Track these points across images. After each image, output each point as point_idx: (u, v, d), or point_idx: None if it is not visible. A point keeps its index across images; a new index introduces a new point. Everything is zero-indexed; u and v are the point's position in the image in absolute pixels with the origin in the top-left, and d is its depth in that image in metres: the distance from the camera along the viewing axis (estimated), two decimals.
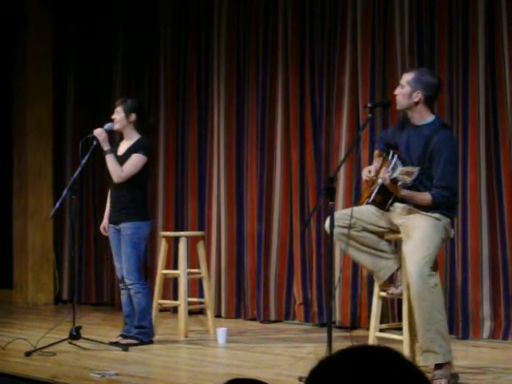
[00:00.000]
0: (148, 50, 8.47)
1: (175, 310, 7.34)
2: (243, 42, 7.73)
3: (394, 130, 5.21)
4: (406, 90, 4.92)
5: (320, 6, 7.21)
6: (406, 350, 5.00)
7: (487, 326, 6.25)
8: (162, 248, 6.84)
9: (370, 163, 5.62)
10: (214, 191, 7.85)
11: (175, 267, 7.16)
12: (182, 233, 7.05)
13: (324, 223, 5.18)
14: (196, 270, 7.04)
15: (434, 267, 4.85)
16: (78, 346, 5.99)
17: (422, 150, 4.86)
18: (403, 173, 4.69)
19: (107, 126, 6.23)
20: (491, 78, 6.24)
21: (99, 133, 6.13)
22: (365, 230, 5.06)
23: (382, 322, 5.46)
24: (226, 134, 7.78)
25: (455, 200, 4.99)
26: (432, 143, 4.82)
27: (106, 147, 6.13)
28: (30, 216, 8.88)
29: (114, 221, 6.24)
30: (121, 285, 6.30)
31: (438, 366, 4.74)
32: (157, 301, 6.69)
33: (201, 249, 6.87)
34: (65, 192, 6.15)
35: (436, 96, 5.03)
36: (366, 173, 5.05)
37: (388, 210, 5.03)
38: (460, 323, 6.29)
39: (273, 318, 7.46)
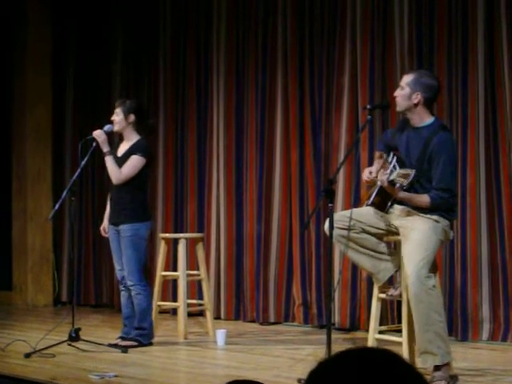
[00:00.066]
0: (147, 51, 8.47)
1: (174, 311, 7.33)
2: (242, 42, 7.73)
3: (394, 131, 5.21)
4: (405, 91, 4.93)
5: (319, 7, 7.21)
6: (405, 352, 5.00)
7: (486, 327, 6.25)
8: (162, 250, 6.84)
9: (370, 165, 5.62)
10: (213, 192, 7.85)
11: (174, 269, 7.16)
12: (181, 234, 7.05)
13: (323, 225, 5.19)
14: (195, 272, 7.04)
15: (433, 269, 4.85)
16: (78, 348, 5.99)
17: (421, 152, 4.86)
18: (400, 175, 4.70)
19: (106, 127, 6.23)
20: (490, 80, 6.24)
21: (98, 134, 6.13)
22: (364, 231, 5.06)
23: (381, 323, 5.46)
24: (226, 135, 7.78)
25: (454, 202, 4.99)
26: (431, 145, 4.83)
27: (105, 149, 6.13)
28: (30, 217, 8.88)
29: (113, 222, 6.25)
30: (120, 286, 6.29)
31: (437, 368, 4.74)
32: (156, 303, 6.69)
33: (200, 250, 6.87)
34: (64, 193, 6.15)
35: (435, 98, 5.03)
36: (367, 174, 5.05)
37: (387, 212, 5.04)
38: (459, 325, 6.29)
39: (272, 319, 7.45)
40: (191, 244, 7.18)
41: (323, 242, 7.04)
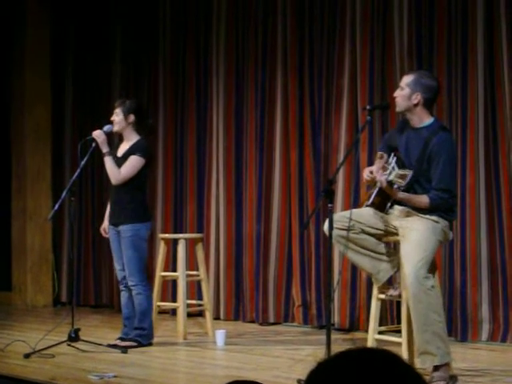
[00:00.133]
0: (147, 51, 8.47)
1: (174, 312, 7.33)
2: (242, 42, 7.73)
3: (394, 132, 5.22)
4: (405, 92, 4.93)
5: (319, 6, 7.21)
6: (404, 353, 5.00)
7: (486, 328, 6.25)
8: (161, 250, 6.84)
9: (369, 165, 5.62)
10: (212, 193, 7.85)
11: (174, 269, 7.15)
12: (180, 235, 7.05)
13: (323, 225, 5.19)
14: (195, 272, 7.04)
15: (432, 269, 4.85)
16: (77, 348, 5.98)
17: (420, 152, 4.86)
18: (398, 176, 4.71)
19: (106, 127, 6.23)
20: (490, 81, 6.24)
21: (98, 135, 6.13)
22: (363, 232, 5.06)
23: (380, 324, 5.46)
24: (225, 136, 7.78)
25: (454, 202, 4.99)
26: (431, 145, 4.83)
27: (104, 149, 6.13)
28: (29, 218, 8.88)
29: (113, 223, 6.25)
30: (121, 286, 6.29)
31: (436, 368, 4.74)
32: (155, 303, 6.68)
33: (200, 251, 6.87)
34: (64, 194, 6.15)
35: (435, 98, 5.04)
36: (368, 173, 5.04)
37: (387, 213, 5.04)
38: (459, 325, 6.29)
39: (272, 320, 7.45)
40: (191, 244, 7.18)
41: (323, 243, 7.04)
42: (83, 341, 6.00)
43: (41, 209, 8.89)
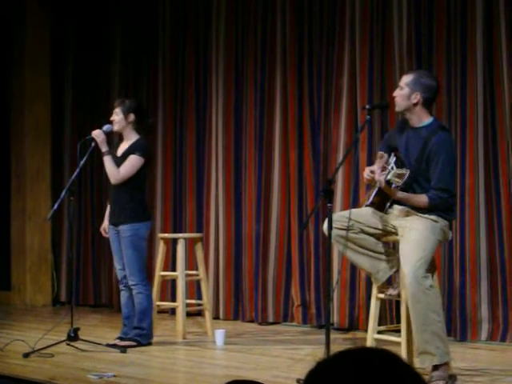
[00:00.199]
0: (146, 51, 8.47)
1: (173, 311, 7.34)
2: (241, 40, 7.73)
3: (394, 132, 5.22)
4: (404, 91, 4.93)
5: (318, 4, 7.21)
6: (403, 352, 5.00)
7: (485, 327, 6.25)
8: (160, 250, 6.84)
9: (369, 165, 5.62)
10: (212, 192, 7.85)
11: (173, 269, 7.16)
12: (180, 234, 7.05)
13: (322, 225, 5.19)
14: (194, 272, 7.04)
15: (431, 269, 4.85)
16: (76, 348, 5.98)
17: (419, 152, 4.86)
18: (395, 175, 4.72)
19: (105, 127, 6.23)
20: (489, 80, 6.24)
21: (97, 134, 6.13)
22: (363, 231, 5.06)
23: (380, 323, 5.46)
24: (224, 135, 7.78)
25: (453, 202, 4.99)
26: (430, 145, 4.83)
27: (104, 149, 6.13)
28: (28, 217, 8.88)
29: (113, 222, 6.25)
30: (121, 285, 6.29)
31: (436, 368, 4.74)
32: (155, 303, 6.68)
33: (199, 250, 6.87)
34: (63, 193, 6.15)
35: (434, 98, 5.04)
36: (368, 172, 5.04)
37: (386, 213, 5.04)
38: (458, 325, 6.29)
39: (271, 319, 7.45)
40: (190, 244, 7.18)
41: (322, 242, 7.04)
42: (82, 340, 6.00)
43: (40, 208, 8.89)
